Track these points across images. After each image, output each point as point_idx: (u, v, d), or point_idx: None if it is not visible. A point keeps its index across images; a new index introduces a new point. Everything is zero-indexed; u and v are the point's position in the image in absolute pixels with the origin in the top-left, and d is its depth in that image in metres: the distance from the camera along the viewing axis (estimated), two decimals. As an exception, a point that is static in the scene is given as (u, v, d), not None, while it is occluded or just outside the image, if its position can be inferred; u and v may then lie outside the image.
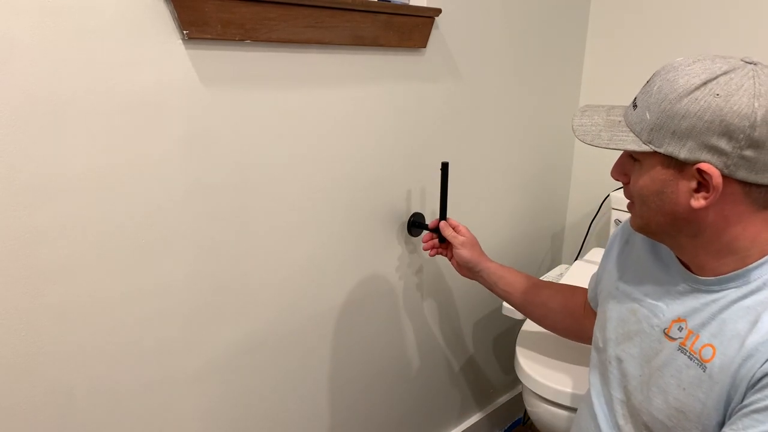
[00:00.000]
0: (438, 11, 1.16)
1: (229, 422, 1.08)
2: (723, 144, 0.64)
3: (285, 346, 1.13)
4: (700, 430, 0.71)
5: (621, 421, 0.82)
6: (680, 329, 0.74)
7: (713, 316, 0.71)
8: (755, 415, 0.64)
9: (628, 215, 0.81)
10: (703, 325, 0.72)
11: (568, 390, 1.11)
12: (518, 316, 1.38)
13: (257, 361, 1.09)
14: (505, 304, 1.41)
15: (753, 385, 0.65)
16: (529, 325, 1.32)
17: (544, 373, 1.16)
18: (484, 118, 1.41)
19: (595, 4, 1.66)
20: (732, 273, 0.70)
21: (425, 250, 1.22)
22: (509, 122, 1.49)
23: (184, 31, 0.83)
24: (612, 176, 0.78)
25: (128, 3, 0.79)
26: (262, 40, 0.92)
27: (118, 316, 0.88)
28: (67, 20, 0.74)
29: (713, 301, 0.72)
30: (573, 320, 1.07)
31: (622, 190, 0.80)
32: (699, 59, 0.67)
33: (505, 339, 1.73)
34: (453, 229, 1.17)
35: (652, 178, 0.70)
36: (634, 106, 0.71)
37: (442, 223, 1.18)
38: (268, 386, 1.12)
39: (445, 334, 1.50)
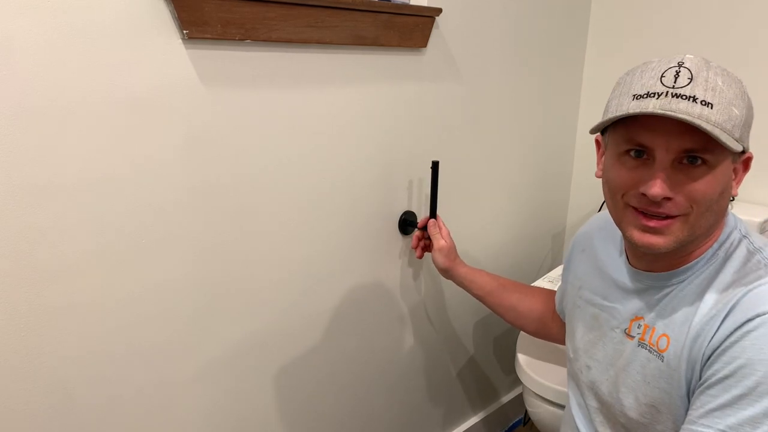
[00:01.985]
0: (438, 11, 1.16)
1: (228, 422, 1.08)
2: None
3: (285, 347, 1.13)
4: (673, 421, 0.72)
5: (600, 428, 0.83)
6: (639, 326, 0.76)
7: (665, 307, 0.73)
8: (709, 391, 0.65)
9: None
10: (657, 317, 0.74)
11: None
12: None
13: (257, 362, 1.09)
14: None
15: (704, 363, 0.67)
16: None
17: (544, 374, 1.16)
18: (485, 118, 1.41)
19: (595, 4, 1.65)
20: (681, 267, 0.73)
21: (414, 249, 1.25)
22: (510, 122, 1.49)
23: (184, 31, 0.83)
24: (659, 195, 0.65)
25: (128, 3, 0.79)
26: (262, 40, 0.92)
27: (118, 317, 0.88)
28: (67, 20, 0.74)
29: (665, 294, 0.74)
30: (541, 324, 1.10)
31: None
32: (693, 53, 0.69)
33: (506, 339, 1.73)
34: (439, 230, 1.20)
35: (718, 177, 0.66)
36: (707, 104, 0.63)
37: (431, 221, 1.21)
38: (268, 387, 1.12)
39: (445, 335, 1.50)
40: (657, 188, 0.65)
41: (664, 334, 0.72)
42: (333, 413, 1.27)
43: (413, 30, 1.14)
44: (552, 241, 1.82)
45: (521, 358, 1.22)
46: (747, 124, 0.66)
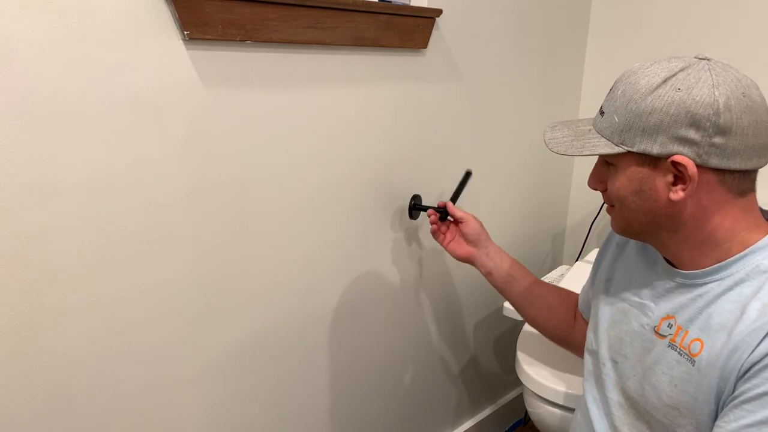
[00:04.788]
0: (439, 12, 1.16)
1: (228, 423, 1.08)
2: (692, 134, 0.66)
3: (285, 347, 1.13)
4: (695, 426, 0.71)
5: (617, 423, 0.82)
6: (670, 326, 0.75)
7: (700, 311, 0.72)
8: (745, 405, 0.64)
9: None
10: (691, 320, 0.73)
11: (569, 391, 1.11)
12: (519, 317, 1.38)
13: (257, 362, 1.09)
14: (506, 304, 1.40)
15: (742, 376, 0.66)
16: (531, 326, 1.32)
17: (545, 374, 1.16)
18: (485, 118, 1.41)
19: (596, 4, 1.66)
20: (715, 265, 0.72)
21: (432, 223, 1.17)
22: (510, 123, 1.49)
23: (185, 32, 0.83)
24: (589, 186, 0.80)
25: (129, 3, 0.79)
26: (262, 41, 0.92)
27: (119, 317, 0.88)
28: (67, 21, 0.74)
29: (699, 295, 0.73)
30: (566, 317, 1.06)
31: None
32: (656, 61, 0.71)
33: (506, 340, 1.73)
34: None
35: (628, 177, 0.73)
36: (602, 113, 0.74)
37: (449, 203, 1.15)
38: (268, 387, 1.12)
39: (446, 335, 1.50)
40: (588, 181, 0.80)
41: (697, 339, 0.71)
42: (333, 413, 1.27)
43: (413, 31, 1.14)
44: (552, 241, 1.82)
45: (521, 358, 1.22)
46: (635, 128, 0.69)
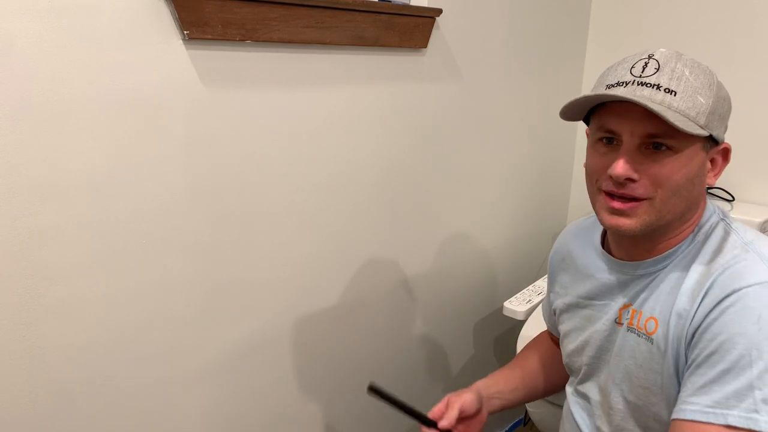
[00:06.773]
0: (439, 11, 1.16)
1: (228, 422, 1.08)
2: (726, 123, 0.72)
3: (285, 347, 1.13)
4: (666, 401, 0.73)
5: (599, 423, 0.84)
6: (627, 313, 0.78)
7: (651, 292, 0.75)
8: (698, 370, 0.67)
9: None
10: (644, 301, 0.76)
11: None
12: (519, 316, 1.38)
13: (257, 362, 1.09)
14: (506, 304, 1.40)
15: (689, 344, 0.69)
16: (530, 326, 1.32)
17: (544, 374, 1.16)
18: (485, 118, 1.41)
19: (595, 4, 1.66)
20: (666, 252, 0.75)
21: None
22: (510, 122, 1.49)
23: (185, 32, 0.83)
24: (622, 175, 0.68)
25: (129, 3, 0.79)
26: (262, 41, 0.92)
27: (119, 316, 0.88)
28: (68, 20, 0.74)
29: (652, 280, 0.76)
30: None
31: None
32: (677, 52, 0.72)
33: (506, 340, 1.73)
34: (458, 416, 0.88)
35: (693, 163, 0.69)
36: (671, 92, 0.66)
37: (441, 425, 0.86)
38: (267, 386, 1.12)
39: (445, 335, 1.50)
40: (620, 168, 0.68)
41: (651, 317, 0.74)
42: (332, 412, 1.27)
43: (414, 30, 1.14)
44: (552, 240, 1.82)
45: (521, 358, 1.22)
46: (717, 113, 0.69)
